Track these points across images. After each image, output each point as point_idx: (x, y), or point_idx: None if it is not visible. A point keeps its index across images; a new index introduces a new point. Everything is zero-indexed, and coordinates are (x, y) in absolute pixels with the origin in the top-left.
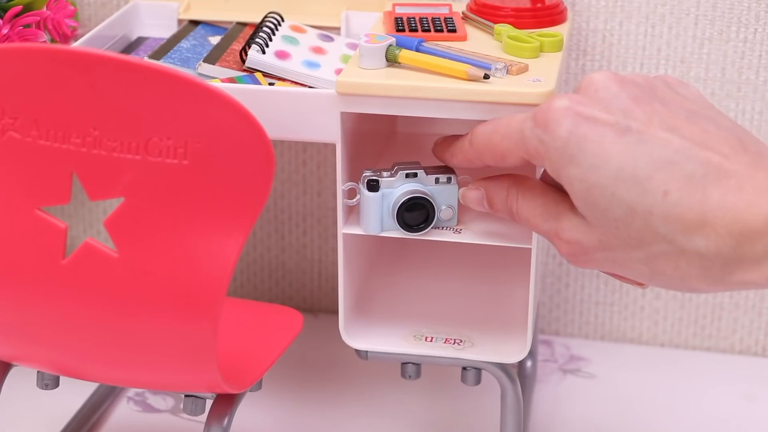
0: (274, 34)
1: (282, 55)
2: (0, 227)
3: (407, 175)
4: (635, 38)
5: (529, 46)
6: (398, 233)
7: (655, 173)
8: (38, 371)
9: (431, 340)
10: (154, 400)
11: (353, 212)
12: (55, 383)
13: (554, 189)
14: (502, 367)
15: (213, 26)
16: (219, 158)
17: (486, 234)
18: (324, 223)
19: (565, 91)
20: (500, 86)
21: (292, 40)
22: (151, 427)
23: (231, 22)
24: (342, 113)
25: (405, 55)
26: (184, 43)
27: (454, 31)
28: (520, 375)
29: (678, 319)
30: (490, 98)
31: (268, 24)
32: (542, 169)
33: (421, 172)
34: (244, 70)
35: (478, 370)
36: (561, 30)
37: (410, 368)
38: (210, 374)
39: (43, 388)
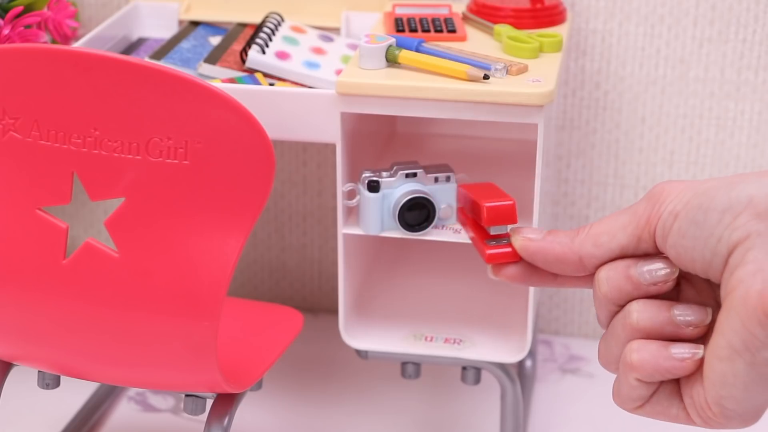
0: (274, 35)
1: (282, 55)
2: (1, 227)
3: (407, 175)
4: (634, 39)
5: (528, 46)
6: (398, 233)
7: None
8: (39, 371)
9: (431, 340)
10: (155, 399)
11: (353, 212)
12: (55, 383)
13: None
14: (502, 366)
15: (213, 27)
16: (219, 158)
17: None
18: (324, 223)
19: (563, 91)
20: (500, 86)
21: (292, 41)
22: (152, 426)
23: (231, 23)
24: (342, 113)
25: (405, 55)
26: (185, 44)
27: (454, 31)
28: (520, 374)
29: None
30: (489, 98)
31: (268, 24)
32: None
33: (420, 172)
34: (245, 71)
35: (478, 369)
36: (560, 30)
37: (410, 368)
38: (210, 374)
39: (44, 388)
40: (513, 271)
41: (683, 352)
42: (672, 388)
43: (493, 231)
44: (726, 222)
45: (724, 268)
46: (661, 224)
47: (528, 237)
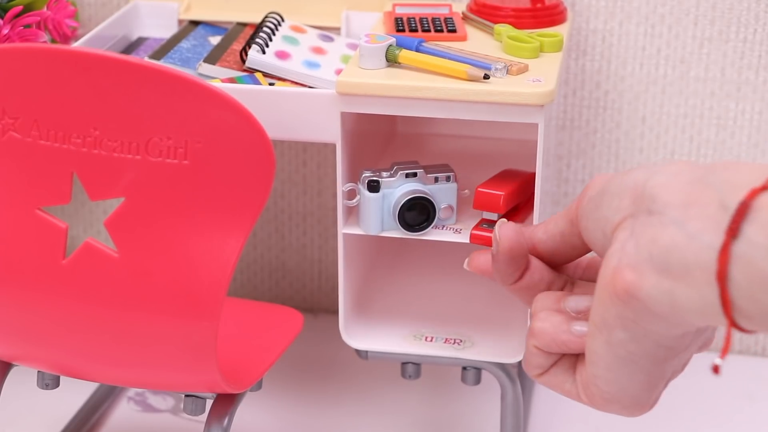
0: (274, 35)
1: (282, 55)
2: (1, 227)
3: (407, 175)
4: (635, 38)
5: (529, 46)
6: (398, 233)
7: None
8: (39, 371)
9: (431, 340)
10: (155, 400)
11: (353, 212)
12: (55, 383)
13: None
14: (502, 366)
15: (213, 26)
16: (219, 158)
17: None
18: (324, 223)
19: (564, 91)
20: (500, 86)
21: (292, 41)
22: (152, 426)
23: (231, 23)
24: (342, 113)
25: (405, 55)
26: (185, 44)
27: (454, 31)
28: (520, 374)
29: None
30: (490, 98)
31: (268, 24)
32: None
33: (420, 172)
34: (245, 70)
35: (478, 369)
36: (561, 30)
37: (410, 368)
38: (210, 374)
39: (43, 388)
40: (482, 261)
41: (581, 329)
42: (570, 364)
43: (485, 215)
44: (614, 205)
45: None
46: (581, 208)
47: (504, 225)
